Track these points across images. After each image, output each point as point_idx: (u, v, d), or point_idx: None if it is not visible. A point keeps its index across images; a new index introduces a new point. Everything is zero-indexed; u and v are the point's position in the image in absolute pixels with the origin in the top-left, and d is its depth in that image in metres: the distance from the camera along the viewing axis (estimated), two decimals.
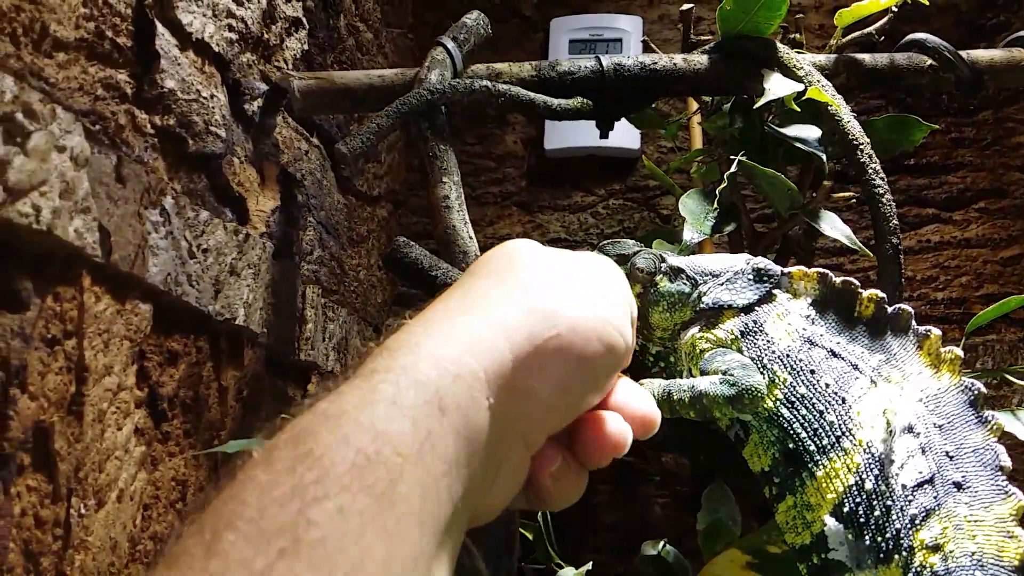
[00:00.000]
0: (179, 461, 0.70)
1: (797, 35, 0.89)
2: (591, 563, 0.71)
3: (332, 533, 0.26)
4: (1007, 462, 0.55)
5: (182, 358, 0.70)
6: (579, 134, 1.17)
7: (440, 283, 0.68)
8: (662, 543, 0.77)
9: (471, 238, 0.73)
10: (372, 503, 0.28)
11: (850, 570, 0.56)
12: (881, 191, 0.75)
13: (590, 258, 0.43)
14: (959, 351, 0.58)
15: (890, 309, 0.60)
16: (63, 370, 0.55)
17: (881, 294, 0.61)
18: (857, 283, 0.61)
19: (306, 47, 0.93)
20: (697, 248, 0.79)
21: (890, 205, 0.76)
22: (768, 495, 0.60)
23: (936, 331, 0.59)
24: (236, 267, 0.75)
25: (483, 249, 0.66)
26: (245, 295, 0.76)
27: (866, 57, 0.86)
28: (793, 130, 0.78)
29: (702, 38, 0.89)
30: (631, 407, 0.43)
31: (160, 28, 0.67)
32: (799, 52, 0.83)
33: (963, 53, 0.85)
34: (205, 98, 0.73)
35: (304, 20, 0.92)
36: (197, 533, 0.26)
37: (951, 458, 0.57)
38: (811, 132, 0.78)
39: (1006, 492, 0.55)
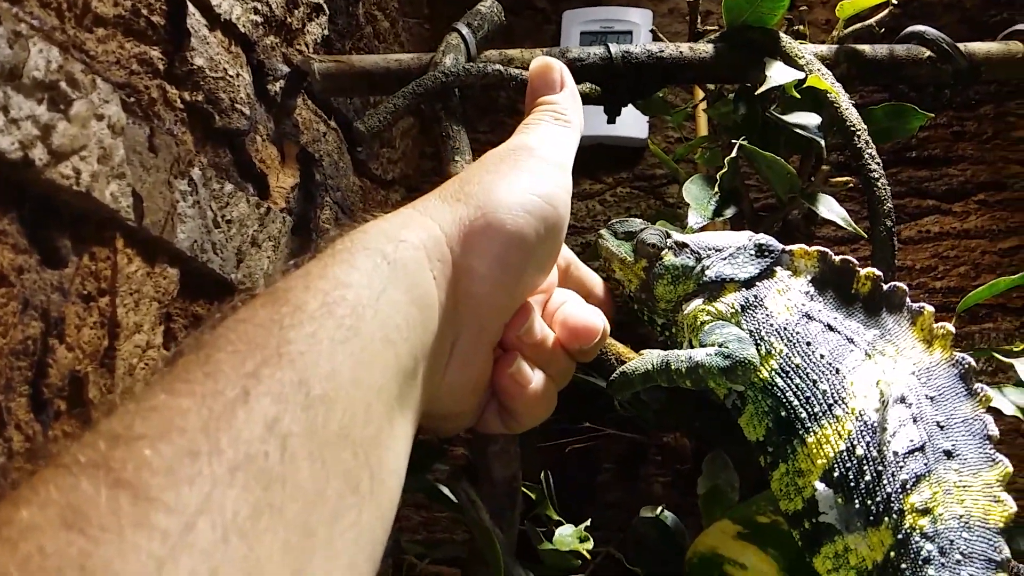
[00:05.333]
0: None
1: (801, 27, 0.92)
2: (590, 520, 0.74)
3: (307, 349, 0.31)
4: (995, 431, 0.58)
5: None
6: (588, 123, 1.18)
7: None
8: (660, 507, 0.79)
9: None
10: (339, 332, 0.33)
11: (839, 532, 0.58)
12: (876, 175, 0.78)
13: (523, 147, 0.49)
14: (951, 327, 0.61)
15: (886, 287, 0.63)
16: (97, 325, 0.58)
17: (878, 272, 0.63)
18: (856, 262, 0.63)
19: (326, 32, 0.96)
20: (701, 232, 0.81)
21: (885, 189, 0.78)
22: (763, 464, 0.62)
23: (929, 308, 0.61)
24: (257, 239, 0.78)
25: None
26: (265, 265, 0.79)
27: (866, 48, 0.88)
28: (794, 117, 0.80)
29: (708, 28, 0.91)
30: (575, 316, 0.50)
31: (191, 8, 0.70)
32: (801, 43, 0.86)
33: (960, 45, 0.87)
34: (231, 77, 0.76)
35: (325, 6, 0.95)
36: (194, 350, 0.31)
37: (942, 428, 0.59)
38: (811, 119, 0.80)
39: (993, 460, 0.57)
